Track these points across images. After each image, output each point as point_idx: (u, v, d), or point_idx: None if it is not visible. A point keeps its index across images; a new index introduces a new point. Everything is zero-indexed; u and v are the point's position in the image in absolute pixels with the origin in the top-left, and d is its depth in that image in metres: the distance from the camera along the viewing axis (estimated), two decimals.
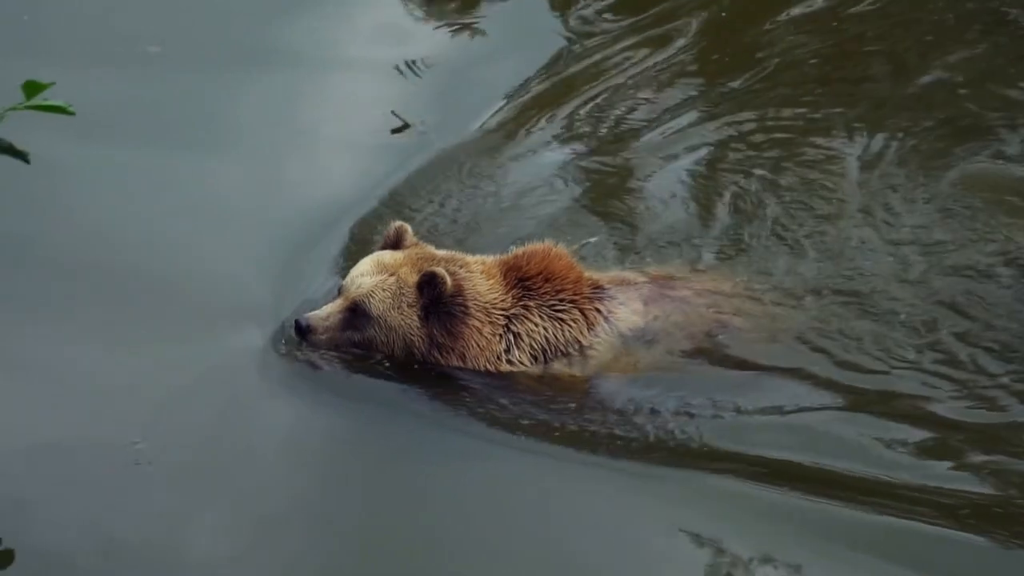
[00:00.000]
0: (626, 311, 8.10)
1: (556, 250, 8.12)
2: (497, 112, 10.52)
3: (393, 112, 10.31)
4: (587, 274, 8.20)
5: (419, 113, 10.32)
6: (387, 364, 7.95)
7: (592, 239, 9.01)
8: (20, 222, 8.88)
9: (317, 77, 10.64)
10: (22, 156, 5.97)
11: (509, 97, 10.70)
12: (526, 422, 7.71)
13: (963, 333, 8.28)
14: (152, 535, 7.00)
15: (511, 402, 7.83)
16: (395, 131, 10.23)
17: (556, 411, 7.80)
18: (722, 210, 9.36)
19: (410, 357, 7.92)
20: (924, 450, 7.61)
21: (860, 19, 11.45)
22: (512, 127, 10.35)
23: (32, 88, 5.87)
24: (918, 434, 7.69)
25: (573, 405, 7.84)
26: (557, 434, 7.65)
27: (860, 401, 7.90)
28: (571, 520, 7.18)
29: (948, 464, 7.52)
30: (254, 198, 9.36)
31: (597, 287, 8.15)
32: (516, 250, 8.17)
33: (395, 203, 9.33)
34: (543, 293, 8.03)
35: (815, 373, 8.04)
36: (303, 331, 7.85)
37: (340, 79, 10.64)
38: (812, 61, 11.04)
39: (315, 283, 8.53)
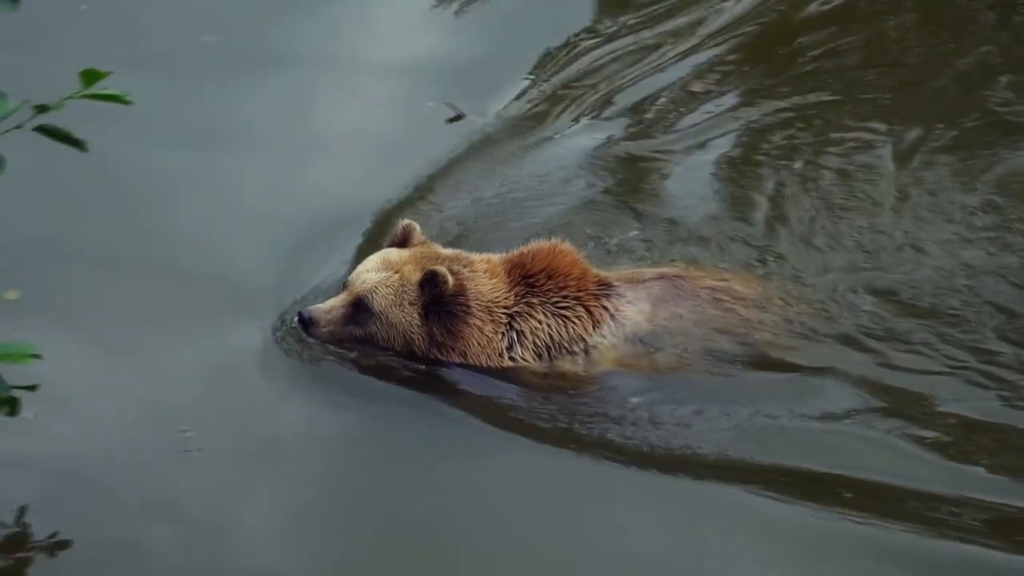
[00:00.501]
0: (634, 310, 8.05)
1: (561, 247, 8.10)
2: (525, 102, 10.52)
3: (447, 104, 10.33)
4: (594, 271, 8.16)
5: (437, 106, 10.38)
6: (413, 367, 8.01)
7: (632, 233, 8.98)
8: (41, 217, 9.02)
9: (335, 76, 10.67)
10: (79, 145, 6.01)
11: (537, 85, 10.70)
12: (533, 419, 7.73)
13: (1007, 333, 8.12)
14: (206, 520, 7.15)
15: (519, 399, 7.86)
16: (450, 121, 10.26)
17: (563, 409, 7.79)
18: (757, 205, 9.25)
19: (411, 354, 7.98)
20: (959, 456, 7.48)
21: (901, 10, 11.31)
22: (542, 116, 10.36)
23: (90, 76, 5.91)
24: (955, 440, 7.57)
25: (581, 403, 7.83)
26: (561, 431, 7.66)
27: (891, 407, 7.77)
28: (577, 518, 7.20)
29: (981, 470, 7.39)
30: (274, 194, 9.42)
31: (604, 284, 8.10)
32: (521, 248, 8.17)
33: (420, 196, 9.40)
34: (547, 290, 8.02)
35: (842, 377, 7.93)
36: (305, 323, 7.94)
37: (357, 77, 10.67)
38: (851, 53, 10.89)
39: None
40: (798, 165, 9.62)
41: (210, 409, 7.78)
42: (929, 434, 7.58)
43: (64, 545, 6.82)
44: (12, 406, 6.12)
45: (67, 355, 7.65)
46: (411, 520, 7.20)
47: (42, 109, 5.87)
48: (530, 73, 10.85)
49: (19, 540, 6.83)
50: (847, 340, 8.13)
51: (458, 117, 10.29)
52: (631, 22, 11.45)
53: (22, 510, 6.95)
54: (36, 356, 5.97)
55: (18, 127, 5.88)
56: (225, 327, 8.27)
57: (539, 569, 6.96)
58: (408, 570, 6.98)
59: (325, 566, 6.97)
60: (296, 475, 7.48)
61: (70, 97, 5.87)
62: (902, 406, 7.76)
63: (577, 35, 11.34)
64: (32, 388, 6.17)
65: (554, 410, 7.79)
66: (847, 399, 7.81)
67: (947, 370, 7.96)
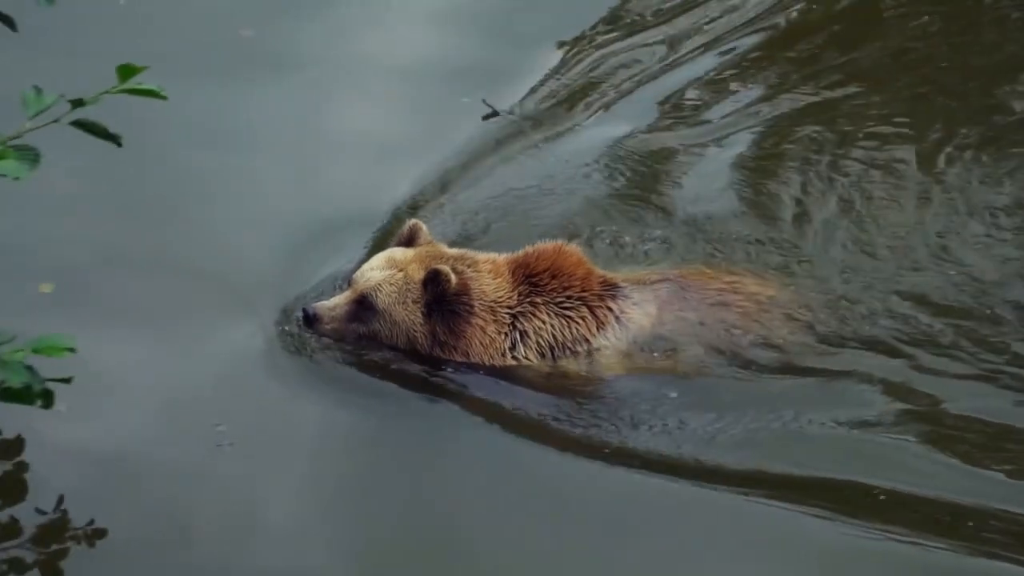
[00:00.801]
0: (639, 312, 8.03)
1: (566, 247, 8.09)
2: (543, 97, 10.49)
3: (484, 101, 10.33)
4: (599, 272, 8.14)
5: (472, 103, 10.37)
6: (421, 365, 8.03)
7: (656, 232, 8.93)
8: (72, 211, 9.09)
9: (353, 75, 10.64)
10: (115, 139, 6.05)
11: (557, 80, 10.64)
12: (540, 420, 7.74)
13: None
14: (233, 514, 7.26)
15: (524, 399, 7.84)
16: (485, 118, 10.27)
17: (569, 411, 7.78)
18: (781, 204, 9.15)
19: (414, 352, 8.00)
20: (987, 464, 7.36)
21: (928, 10, 11.16)
22: (564, 112, 10.32)
23: (126, 71, 5.95)
24: (983, 448, 7.44)
25: (585, 405, 7.80)
26: (568, 432, 7.65)
27: (911, 412, 7.65)
28: (586, 520, 7.18)
29: (1009, 478, 7.27)
30: (293, 192, 9.45)
31: (609, 285, 8.08)
32: (527, 247, 8.17)
33: (439, 194, 9.42)
34: (550, 290, 8.01)
35: (861, 382, 7.81)
36: (310, 320, 7.99)
37: (377, 76, 10.64)
38: (877, 51, 10.72)
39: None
40: (822, 165, 9.49)
41: (235, 405, 7.86)
42: (955, 442, 7.48)
43: (101, 534, 6.90)
44: (47, 399, 6.17)
45: (94, 349, 7.68)
46: (421, 515, 7.25)
47: (78, 103, 5.92)
48: (551, 68, 10.81)
49: (58, 527, 6.91)
50: (866, 343, 8.03)
51: (494, 114, 10.29)
52: (653, 13, 11.38)
53: (60, 499, 7.02)
54: (71, 349, 6.02)
55: (55, 121, 5.92)
56: (246, 324, 8.32)
57: (545, 569, 6.97)
58: (418, 562, 7.02)
59: (345, 558, 7.03)
60: (315, 470, 7.54)
61: (106, 92, 5.91)
62: (922, 410, 7.67)
63: (595, 29, 11.28)
64: (67, 380, 6.22)
65: (559, 411, 7.78)
66: (866, 405, 7.71)
67: (973, 374, 7.84)
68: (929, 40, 10.80)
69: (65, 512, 6.97)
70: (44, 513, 6.96)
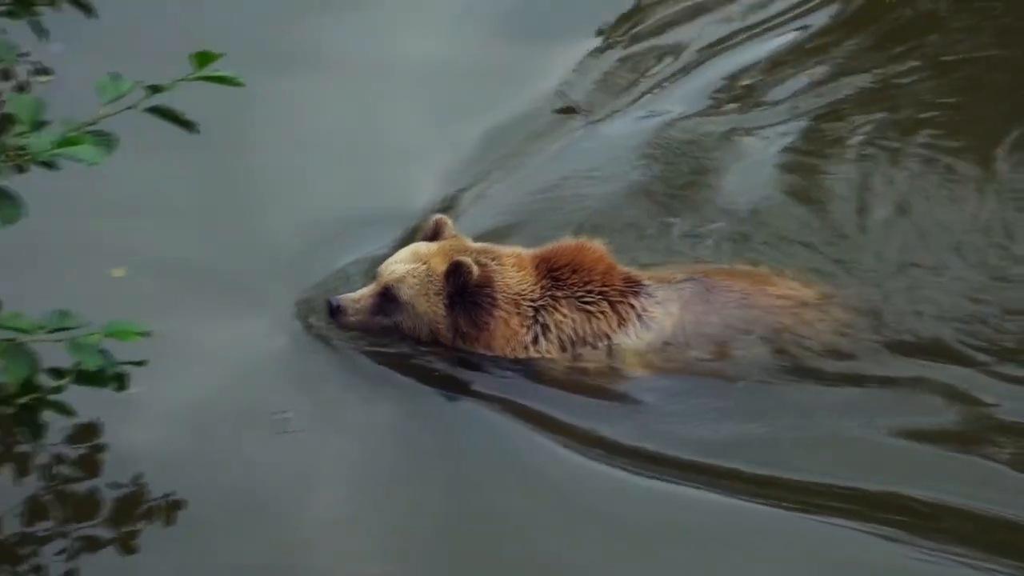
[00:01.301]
0: (662, 311, 8.00)
1: (589, 243, 8.10)
2: (590, 84, 10.50)
3: (559, 93, 10.33)
4: (622, 268, 8.13)
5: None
6: (458, 360, 8.06)
7: (714, 225, 8.88)
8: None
9: (384, 75, 10.65)
10: (190, 126, 6.08)
11: (606, 64, 10.65)
12: (559, 416, 7.72)
13: None
14: (287, 498, 7.38)
15: (546, 395, 7.85)
16: (559, 111, 10.26)
17: (584, 409, 7.78)
18: (833, 199, 9.04)
19: (437, 344, 8.04)
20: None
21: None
22: (609, 100, 10.33)
23: (202, 58, 5.97)
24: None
25: (604, 403, 7.79)
26: (583, 431, 7.63)
27: (941, 420, 7.50)
28: (606, 523, 7.18)
29: None
30: (332, 191, 9.53)
31: (632, 282, 8.07)
32: (550, 243, 8.19)
33: (481, 186, 9.48)
34: (571, 284, 8.02)
35: (896, 390, 7.68)
36: (334, 311, 8.07)
37: (406, 75, 10.64)
38: (940, 39, 10.57)
39: None
40: (881, 158, 9.35)
41: (291, 392, 7.99)
42: (993, 450, 7.34)
43: (177, 506, 7.08)
44: (121, 382, 6.23)
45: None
46: (459, 509, 7.31)
47: (155, 90, 5.95)
48: (602, 55, 10.81)
49: (133, 504, 7.10)
50: (912, 347, 7.89)
51: (569, 109, 10.29)
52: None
53: (135, 478, 7.21)
54: (144, 334, 6.06)
55: (131, 108, 5.96)
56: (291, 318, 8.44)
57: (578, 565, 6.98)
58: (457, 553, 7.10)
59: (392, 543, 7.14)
60: (363, 459, 7.66)
61: (183, 79, 5.94)
62: (977, 418, 7.52)
63: (641, 14, 11.25)
64: (140, 364, 6.27)
65: (582, 408, 7.78)
66: (899, 413, 7.56)
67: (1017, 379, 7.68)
68: (988, 32, 10.60)
69: (140, 488, 7.15)
70: (121, 487, 7.14)
